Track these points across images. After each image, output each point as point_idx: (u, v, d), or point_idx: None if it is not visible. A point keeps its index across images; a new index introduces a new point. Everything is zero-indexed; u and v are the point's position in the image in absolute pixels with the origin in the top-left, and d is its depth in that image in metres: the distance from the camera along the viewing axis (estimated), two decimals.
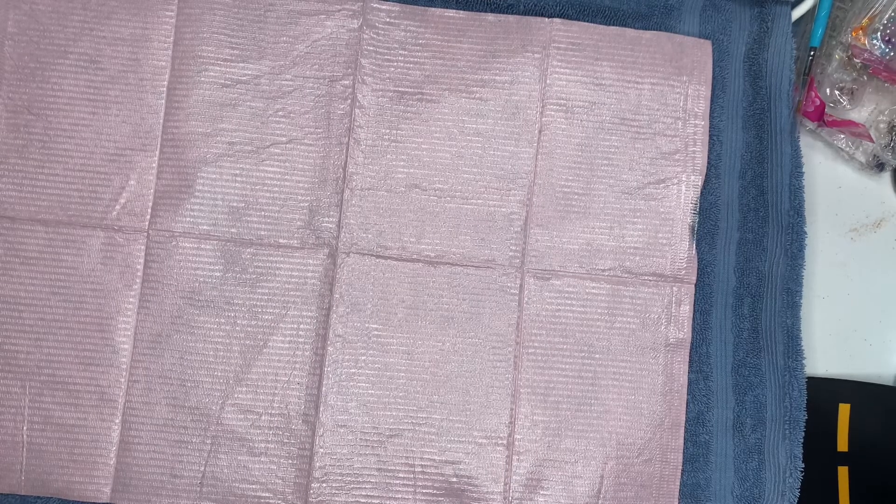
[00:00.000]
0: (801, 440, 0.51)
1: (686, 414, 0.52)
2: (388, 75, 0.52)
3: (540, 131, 0.52)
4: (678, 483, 0.51)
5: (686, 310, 0.52)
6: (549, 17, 0.53)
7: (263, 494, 0.49)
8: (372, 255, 0.51)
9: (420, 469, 0.50)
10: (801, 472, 0.51)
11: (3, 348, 0.49)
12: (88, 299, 0.49)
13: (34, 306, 0.49)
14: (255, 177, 0.51)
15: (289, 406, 0.50)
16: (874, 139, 0.54)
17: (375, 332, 0.50)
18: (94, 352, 0.49)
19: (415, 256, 0.51)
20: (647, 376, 0.51)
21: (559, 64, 0.52)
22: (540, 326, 0.51)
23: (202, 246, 0.50)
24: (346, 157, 0.51)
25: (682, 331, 0.52)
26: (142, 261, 0.50)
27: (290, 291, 0.50)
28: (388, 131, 0.52)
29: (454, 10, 0.52)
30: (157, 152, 0.50)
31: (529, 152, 0.52)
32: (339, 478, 0.49)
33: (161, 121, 0.51)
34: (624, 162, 0.52)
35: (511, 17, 0.52)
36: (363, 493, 0.49)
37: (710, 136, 0.53)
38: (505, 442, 0.50)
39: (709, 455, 0.52)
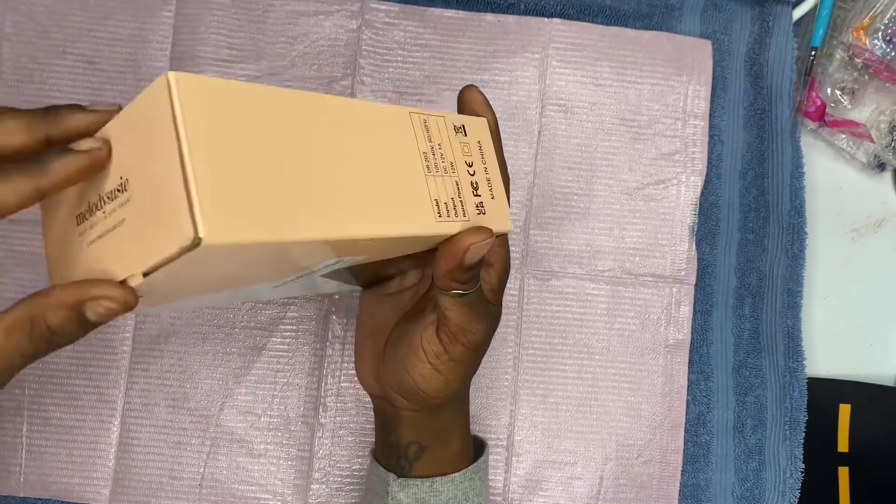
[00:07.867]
0: (802, 441, 0.51)
1: (686, 414, 0.51)
2: (387, 76, 0.51)
3: (539, 132, 0.52)
4: (678, 484, 0.51)
5: (686, 310, 0.52)
6: (549, 16, 0.52)
7: (263, 496, 0.49)
8: None
9: None
10: (802, 472, 0.51)
11: None
12: None
13: None
14: None
15: (288, 407, 0.50)
16: (875, 139, 0.54)
17: None
18: (92, 353, 0.49)
19: None
20: (646, 377, 0.51)
21: (559, 64, 0.52)
22: (539, 327, 0.51)
23: None
24: None
25: (682, 332, 0.52)
26: None
27: None
28: None
29: (453, 11, 0.52)
30: None
31: (529, 153, 0.52)
32: (339, 479, 0.49)
33: None
34: (623, 162, 0.52)
35: (510, 17, 0.52)
36: (363, 495, 0.49)
37: (711, 136, 0.53)
38: (504, 443, 0.50)
39: (709, 456, 0.52)
